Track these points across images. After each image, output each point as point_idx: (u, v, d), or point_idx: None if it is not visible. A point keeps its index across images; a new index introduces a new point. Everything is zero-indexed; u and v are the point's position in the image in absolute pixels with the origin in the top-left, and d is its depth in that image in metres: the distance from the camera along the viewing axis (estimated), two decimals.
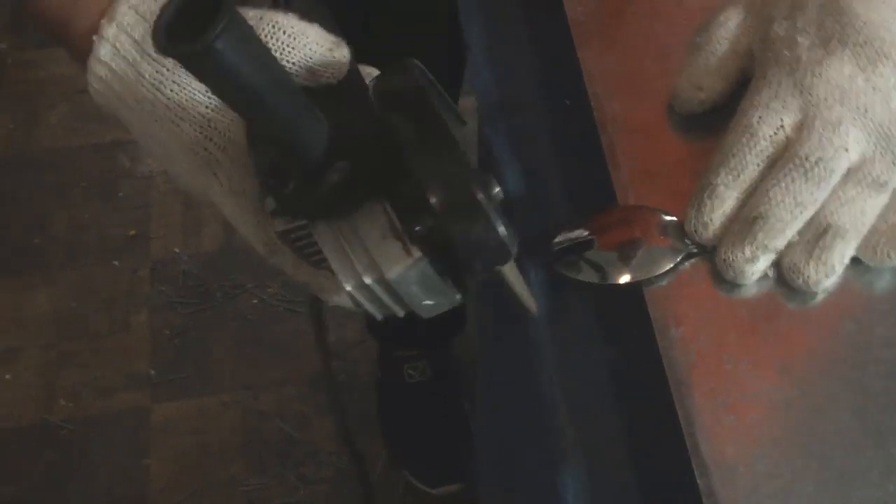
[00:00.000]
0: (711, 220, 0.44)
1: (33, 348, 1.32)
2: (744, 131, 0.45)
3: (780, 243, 0.43)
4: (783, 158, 0.44)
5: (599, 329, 0.47)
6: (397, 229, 0.39)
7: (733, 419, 0.40)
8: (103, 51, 0.42)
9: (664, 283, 0.45)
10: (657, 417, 0.42)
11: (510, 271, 0.42)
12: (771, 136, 0.44)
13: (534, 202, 0.52)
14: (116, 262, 1.40)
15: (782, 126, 0.44)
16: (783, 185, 0.43)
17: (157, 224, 1.43)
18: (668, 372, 0.42)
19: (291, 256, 0.43)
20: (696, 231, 0.45)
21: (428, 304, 0.41)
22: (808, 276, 0.43)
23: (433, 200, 0.37)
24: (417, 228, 0.39)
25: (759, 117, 0.45)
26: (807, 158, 0.43)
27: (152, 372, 1.29)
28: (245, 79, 0.34)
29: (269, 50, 0.36)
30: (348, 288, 0.40)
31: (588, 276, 0.45)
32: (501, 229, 0.38)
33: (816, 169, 0.43)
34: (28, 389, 1.28)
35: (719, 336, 0.43)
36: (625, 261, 0.45)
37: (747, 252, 0.43)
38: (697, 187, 0.45)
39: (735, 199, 0.44)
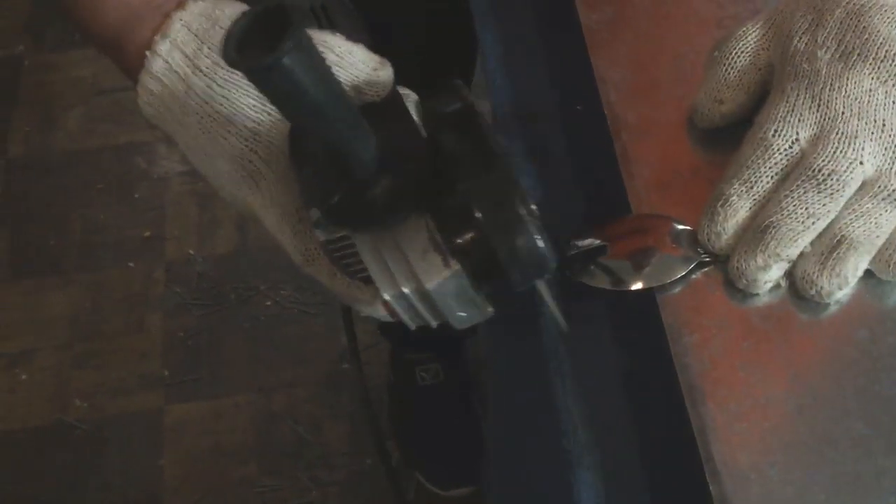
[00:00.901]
0: (724, 229, 0.45)
1: (48, 349, 1.33)
2: (759, 144, 0.45)
3: (793, 253, 0.44)
4: (797, 169, 0.44)
5: (613, 336, 0.48)
6: (438, 242, 0.40)
7: (746, 426, 0.41)
8: (156, 66, 0.43)
9: (677, 290, 0.45)
10: (670, 424, 0.42)
11: (545, 286, 0.43)
12: (786, 150, 0.45)
13: (548, 210, 0.52)
14: (131, 264, 1.41)
15: (797, 139, 0.45)
16: (795, 195, 0.43)
17: (171, 226, 1.44)
18: (681, 379, 0.42)
19: (327, 267, 0.44)
20: (708, 240, 0.45)
21: (461, 315, 0.42)
22: (820, 287, 0.43)
23: (478, 213, 0.39)
24: (458, 241, 0.40)
25: (775, 130, 0.45)
26: (820, 170, 0.44)
27: (166, 373, 1.30)
28: (307, 93, 0.35)
29: (329, 66, 0.37)
30: (387, 297, 0.41)
31: (601, 282, 0.46)
32: (542, 243, 0.39)
33: (829, 181, 0.43)
34: (43, 390, 1.29)
35: (732, 343, 0.43)
36: (638, 269, 0.45)
37: (759, 260, 0.43)
38: (711, 197, 0.46)
39: (748, 210, 0.44)
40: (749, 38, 0.49)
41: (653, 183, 0.48)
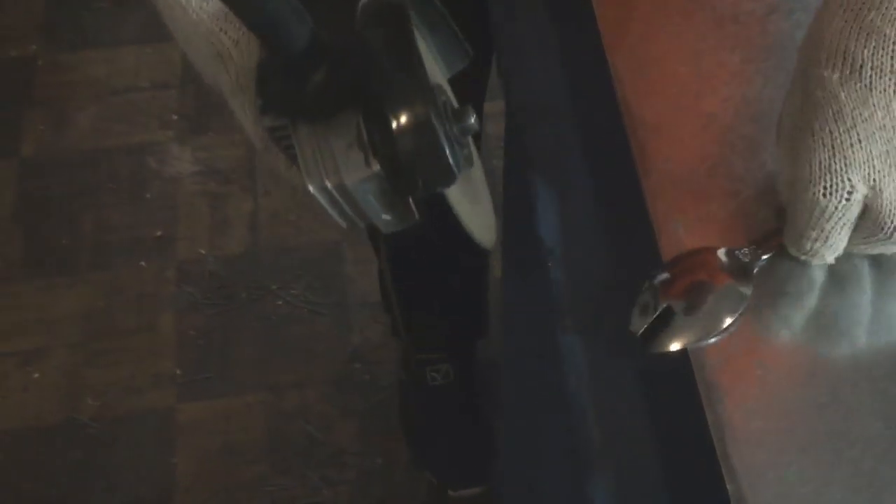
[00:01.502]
0: (825, 258, 0.43)
1: (61, 347, 1.33)
2: (811, 207, 0.41)
3: None
4: (869, 226, 0.41)
5: (629, 335, 0.47)
6: (363, 140, 0.40)
7: (763, 424, 0.40)
8: None
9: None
10: (686, 423, 0.42)
11: (458, 201, 0.42)
12: (844, 205, 0.40)
13: (562, 207, 0.52)
14: (143, 263, 1.41)
15: (853, 188, 0.40)
16: (885, 247, 0.42)
17: (183, 225, 1.45)
18: (698, 377, 0.42)
19: (283, 156, 0.44)
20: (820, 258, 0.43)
21: (386, 218, 0.42)
22: None
23: (389, 115, 0.39)
24: (379, 142, 0.40)
25: (825, 188, 0.40)
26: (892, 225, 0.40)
27: (178, 372, 1.30)
28: None
29: None
30: (311, 189, 0.41)
31: (680, 341, 0.43)
32: (448, 151, 0.39)
33: None
34: (55, 388, 1.30)
35: (749, 341, 0.43)
36: (695, 308, 0.43)
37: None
38: (793, 240, 0.43)
39: (841, 244, 0.42)
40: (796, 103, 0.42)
41: (669, 180, 0.48)
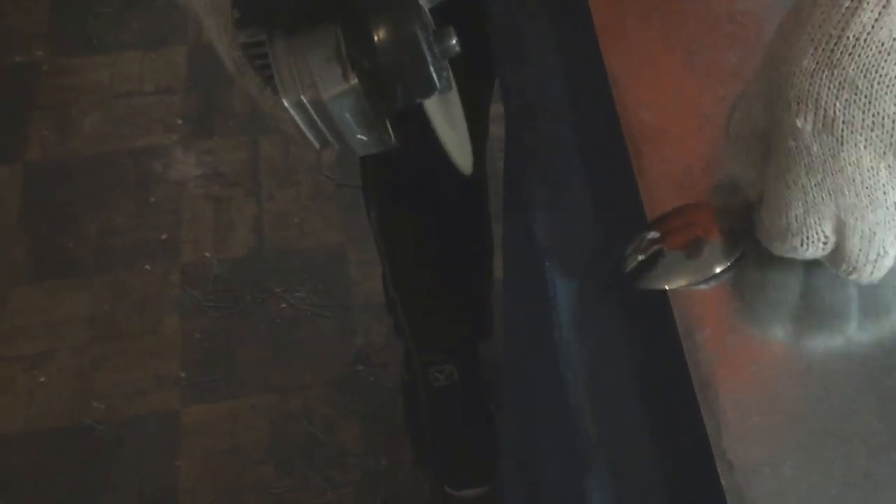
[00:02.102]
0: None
1: (66, 350, 1.34)
2: (790, 251, 0.42)
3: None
4: (833, 259, 0.42)
5: (625, 331, 0.47)
6: (342, 55, 0.40)
7: (758, 421, 0.41)
8: None
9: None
10: (682, 420, 0.42)
11: (438, 121, 0.42)
12: (820, 251, 0.42)
13: (559, 207, 0.52)
14: (148, 266, 1.42)
15: (827, 238, 0.41)
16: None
17: (188, 228, 1.45)
18: (693, 374, 0.42)
19: (256, 80, 0.44)
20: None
21: (362, 139, 0.42)
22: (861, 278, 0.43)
23: (371, 27, 0.38)
24: (359, 56, 0.39)
25: (802, 240, 0.41)
26: (858, 277, 0.41)
27: (183, 374, 1.31)
28: None
29: None
30: (286, 103, 0.41)
31: (669, 283, 0.44)
32: (429, 60, 0.38)
33: (873, 277, 0.42)
34: (61, 391, 1.30)
35: (744, 338, 0.43)
36: (694, 258, 0.44)
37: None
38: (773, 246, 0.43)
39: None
40: (754, 112, 0.42)
41: (665, 179, 0.48)
